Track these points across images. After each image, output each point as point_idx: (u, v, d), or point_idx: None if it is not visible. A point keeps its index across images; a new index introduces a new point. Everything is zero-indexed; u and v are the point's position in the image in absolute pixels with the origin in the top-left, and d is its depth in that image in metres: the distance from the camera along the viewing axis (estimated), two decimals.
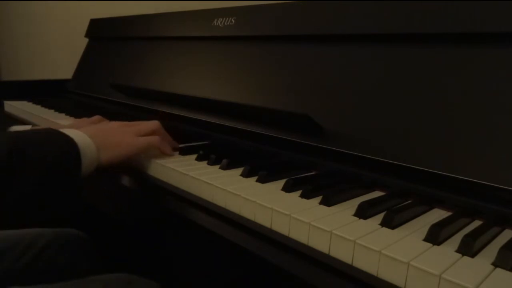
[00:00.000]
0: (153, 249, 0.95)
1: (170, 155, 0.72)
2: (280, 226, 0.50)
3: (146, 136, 0.70)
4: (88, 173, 0.61)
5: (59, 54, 2.40)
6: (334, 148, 0.67)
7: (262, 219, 0.52)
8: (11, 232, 0.86)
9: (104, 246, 1.00)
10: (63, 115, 1.14)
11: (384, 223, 0.48)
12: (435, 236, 0.44)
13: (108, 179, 0.75)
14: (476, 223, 0.51)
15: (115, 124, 0.69)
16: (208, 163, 0.69)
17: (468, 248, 0.42)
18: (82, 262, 0.89)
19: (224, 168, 0.66)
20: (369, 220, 0.49)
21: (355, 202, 0.52)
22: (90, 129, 0.64)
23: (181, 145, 0.78)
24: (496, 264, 0.40)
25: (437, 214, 0.53)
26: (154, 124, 0.73)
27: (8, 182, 0.50)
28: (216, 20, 1.02)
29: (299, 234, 0.48)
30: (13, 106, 1.30)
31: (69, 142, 0.58)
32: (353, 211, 0.51)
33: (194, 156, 0.73)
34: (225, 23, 0.99)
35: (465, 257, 0.41)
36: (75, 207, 0.58)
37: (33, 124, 1.09)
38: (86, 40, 1.63)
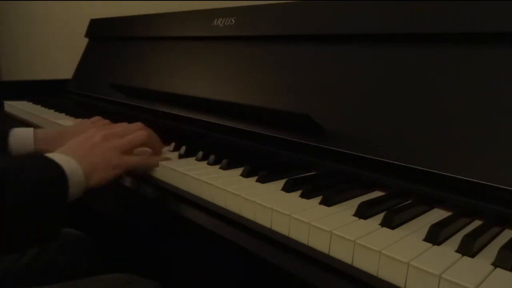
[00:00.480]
0: (153, 249, 0.95)
1: (158, 151, 0.71)
2: (280, 226, 0.50)
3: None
4: (76, 198, 0.59)
5: (59, 54, 2.40)
6: (334, 148, 0.67)
7: (262, 219, 0.52)
8: None
9: (104, 246, 1.00)
10: (63, 115, 1.14)
11: (384, 223, 0.48)
12: (435, 236, 0.44)
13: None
14: (476, 223, 0.51)
15: (97, 137, 0.65)
16: (208, 163, 0.69)
17: (468, 248, 0.42)
18: (82, 262, 0.89)
19: (224, 168, 0.66)
20: (369, 220, 0.49)
21: (355, 202, 0.52)
22: (77, 151, 0.62)
23: (181, 145, 0.78)
24: (496, 264, 0.40)
25: (437, 214, 0.53)
26: (141, 135, 0.68)
27: None
28: (216, 20, 1.02)
29: (299, 234, 0.48)
30: (13, 106, 1.30)
31: (57, 171, 0.56)
32: (353, 211, 0.51)
33: (194, 156, 0.73)
34: (225, 23, 0.99)
35: (465, 257, 0.41)
36: (58, 231, 0.57)
37: (33, 125, 1.09)
38: (86, 40, 1.63)
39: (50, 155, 0.58)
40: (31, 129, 0.79)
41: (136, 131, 0.69)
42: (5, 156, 0.71)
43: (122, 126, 0.71)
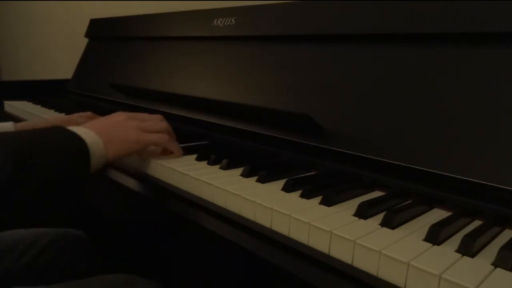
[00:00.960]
0: (153, 249, 0.95)
1: (178, 155, 0.72)
2: (280, 226, 0.50)
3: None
4: (96, 170, 0.60)
5: (59, 54, 2.40)
6: (334, 148, 0.67)
7: (262, 219, 0.52)
8: (11, 233, 0.86)
9: (104, 246, 1.00)
10: (63, 115, 1.14)
11: (384, 223, 0.48)
12: (435, 236, 0.44)
13: (108, 179, 0.75)
14: (476, 223, 0.51)
15: (121, 117, 0.68)
16: (208, 163, 0.69)
17: (468, 248, 0.42)
18: (82, 262, 0.89)
19: (224, 168, 0.66)
20: (369, 220, 0.49)
21: (355, 202, 0.52)
22: (96, 125, 0.63)
23: (181, 145, 0.78)
24: (496, 264, 0.40)
25: (437, 214, 0.53)
26: (163, 125, 0.71)
27: (15, 189, 0.50)
28: (216, 20, 1.02)
29: (299, 234, 0.48)
30: (13, 106, 1.30)
31: (79, 143, 0.57)
32: (353, 211, 0.51)
33: (194, 156, 0.73)
34: (225, 23, 0.99)
35: (465, 257, 0.41)
36: (75, 204, 0.58)
37: None
38: (86, 40, 1.63)
39: (72, 128, 0.59)
40: (10, 123, 0.80)
41: (157, 120, 0.71)
42: None
43: (146, 114, 0.73)
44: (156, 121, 0.71)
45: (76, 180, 0.56)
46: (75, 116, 0.91)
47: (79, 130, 0.59)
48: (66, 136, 0.57)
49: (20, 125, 0.84)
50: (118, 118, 0.67)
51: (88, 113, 0.92)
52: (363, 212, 0.50)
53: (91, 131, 0.60)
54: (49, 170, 0.52)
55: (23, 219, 0.54)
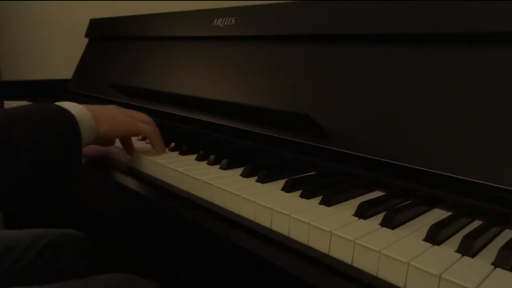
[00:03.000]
0: (153, 249, 0.95)
1: (160, 152, 0.73)
2: (280, 226, 0.50)
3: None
4: (88, 143, 0.61)
5: (59, 54, 2.40)
6: (334, 148, 0.67)
7: (262, 219, 0.52)
8: (11, 233, 0.86)
9: (104, 246, 1.00)
10: None
11: (384, 223, 0.48)
12: (435, 236, 0.44)
13: (108, 179, 0.75)
14: (476, 223, 0.51)
15: (112, 106, 0.71)
16: (208, 163, 0.69)
17: (468, 248, 0.42)
18: (82, 262, 0.89)
19: (224, 168, 0.66)
20: (369, 220, 0.49)
21: (355, 202, 0.52)
22: (85, 105, 0.64)
23: (181, 145, 0.78)
24: (496, 264, 0.40)
25: (437, 214, 0.53)
26: (149, 118, 0.73)
27: (6, 162, 0.49)
28: (216, 20, 1.02)
29: (299, 234, 0.48)
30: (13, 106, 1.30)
31: (67, 116, 0.57)
32: (353, 211, 0.51)
33: (194, 156, 0.73)
34: (225, 23, 0.99)
35: (465, 257, 0.41)
36: (76, 177, 0.57)
37: None
38: (86, 40, 1.63)
39: (60, 103, 0.60)
40: None
41: (145, 115, 0.73)
42: None
43: (134, 111, 0.74)
44: (140, 114, 0.73)
45: (69, 152, 0.55)
46: None
47: (68, 105, 0.59)
48: (53, 109, 0.57)
49: None
50: (109, 106, 0.70)
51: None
52: (363, 212, 0.50)
53: (82, 106, 0.61)
54: (36, 140, 0.51)
55: (22, 193, 0.53)
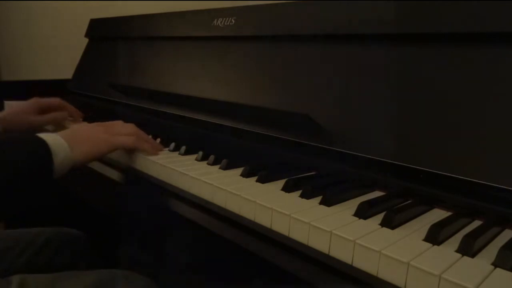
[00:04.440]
0: (152, 248, 0.95)
1: (151, 153, 0.73)
2: (280, 226, 0.50)
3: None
4: (63, 171, 0.63)
5: (59, 54, 2.40)
6: (335, 148, 0.67)
7: (262, 219, 0.52)
8: (10, 232, 0.86)
9: (102, 245, 1.00)
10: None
11: (384, 223, 0.48)
12: (435, 236, 0.44)
13: (107, 179, 0.75)
14: (476, 223, 0.51)
15: (88, 125, 0.73)
16: (208, 163, 0.69)
17: (468, 248, 0.42)
18: (79, 260, 0.89)
19: (224, 168, 0.66)
20: (369, 220, 0.49)
21: (355, 202, 0.52)
22: (65, 132, 0.67)
23: (181, 145, 0.78)
24: (496, 264, 0.40)
25: (437, 214, 0.53)
26: (130, 126, 0.74)
27: None
28: (216, 20, 1.02)
29: (299, 234, 0.48)
30: (13, 106, 1.30)
31: (40, 142, 0.61)
32: (353, 211, 0.51)
33: (194, 156, 0.72)
34: (225, 23, 0.99)
35: (465, 257, 0.41)
36: (47, 201, 0.61)
37: None
38: (86, 40, 1.63)
39: (39, 134, 0.63)
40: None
41: (122, 124, 0.75)
42: None
43: (110, 122, 0.76)
44: (122, 125, 0.74)
45: (39, 175, 0.60)
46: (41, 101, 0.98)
47: (45, 136, 0.63)
48: (30, 139, 0.62)
49: None
50: (86, 125, 0.72)
51: (56, 100, 1.01)
52: (363, 212, 0.50)
53: (57, 135, 0.64)
54: (11, 163, 0.56)
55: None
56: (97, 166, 0.79)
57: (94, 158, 0.69)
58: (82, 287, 0.64)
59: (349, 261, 0.43)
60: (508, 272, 0.39)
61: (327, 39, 0.78)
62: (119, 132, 0.72)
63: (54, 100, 1.00)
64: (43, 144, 0.61)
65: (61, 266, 0.86)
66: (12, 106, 1.04)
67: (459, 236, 0.44)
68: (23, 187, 0.58)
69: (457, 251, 0.42)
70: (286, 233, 0.49)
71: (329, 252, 0.45)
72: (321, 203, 0.53)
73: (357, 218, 0.49)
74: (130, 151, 0.73)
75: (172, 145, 0.78)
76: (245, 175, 0.63)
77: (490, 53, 0.58)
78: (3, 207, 0.57)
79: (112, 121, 0.75)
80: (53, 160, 0.60)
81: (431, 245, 0.43)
